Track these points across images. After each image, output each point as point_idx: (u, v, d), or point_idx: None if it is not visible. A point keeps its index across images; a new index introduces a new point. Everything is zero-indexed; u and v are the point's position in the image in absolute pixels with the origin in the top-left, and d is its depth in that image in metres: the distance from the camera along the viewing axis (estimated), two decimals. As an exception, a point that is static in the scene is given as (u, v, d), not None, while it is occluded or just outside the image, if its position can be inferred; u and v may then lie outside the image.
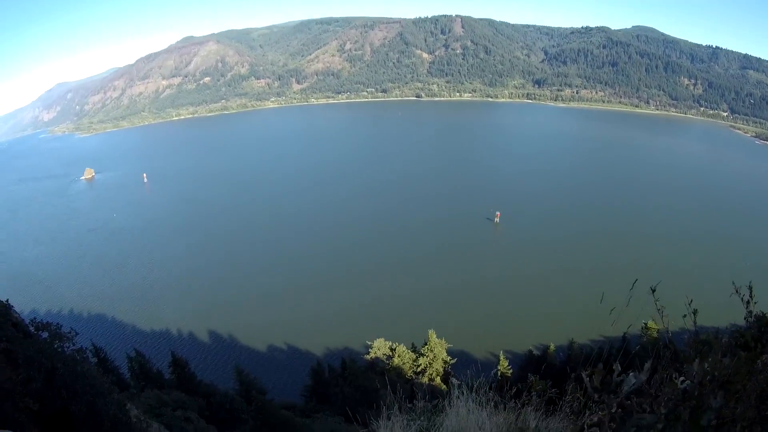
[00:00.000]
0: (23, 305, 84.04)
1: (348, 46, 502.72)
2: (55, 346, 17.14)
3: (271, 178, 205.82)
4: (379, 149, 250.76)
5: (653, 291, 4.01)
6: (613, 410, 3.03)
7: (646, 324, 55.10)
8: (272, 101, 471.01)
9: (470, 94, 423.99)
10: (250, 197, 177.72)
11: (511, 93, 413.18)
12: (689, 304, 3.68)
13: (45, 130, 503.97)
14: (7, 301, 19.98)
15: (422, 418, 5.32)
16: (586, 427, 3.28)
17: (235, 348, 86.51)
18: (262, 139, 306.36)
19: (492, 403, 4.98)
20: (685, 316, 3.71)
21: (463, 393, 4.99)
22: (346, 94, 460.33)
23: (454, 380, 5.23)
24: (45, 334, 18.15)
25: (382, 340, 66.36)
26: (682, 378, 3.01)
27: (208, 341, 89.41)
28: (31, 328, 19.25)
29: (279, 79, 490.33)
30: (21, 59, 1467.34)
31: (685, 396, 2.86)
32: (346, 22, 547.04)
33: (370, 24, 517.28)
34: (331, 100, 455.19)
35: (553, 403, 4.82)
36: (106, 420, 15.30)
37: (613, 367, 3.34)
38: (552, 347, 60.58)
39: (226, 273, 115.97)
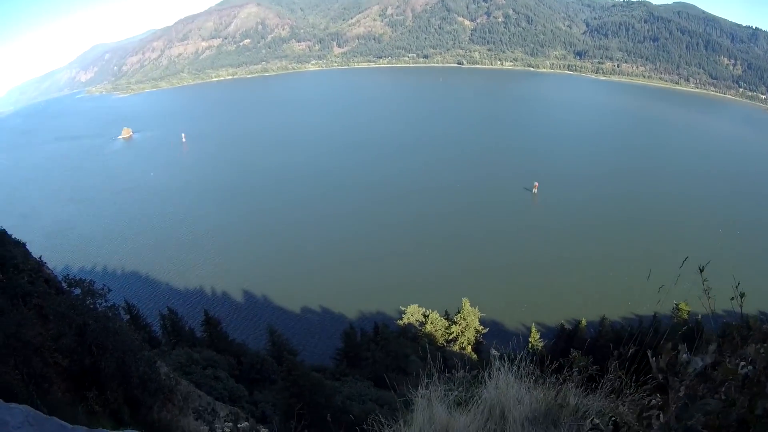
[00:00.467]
0: (57, 262, 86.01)
1: (389, 11, 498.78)
2: (87, 302, 17.52)
3: (310, 139, 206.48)
4: (419, 115, 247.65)
5: (701, 270, 3.86)
6: (680, 393, 2.88)
7: (677, 305, 54.73)
8: (313, 64, 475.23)
9: (511, 63, 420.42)
10: (289, 159, 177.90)
11: (553, 64, 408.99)
12: (736, 287, 3.44)
13: (82, 90, 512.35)
14: (40, 257, 20.51)
15: (460, 388, 5.30)
16: (645, 409, 3.11)
17: (269, 309, 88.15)
18: (303, 101, 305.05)
19: (532, 377, 4.90)
20: (732, 299, 3.49)
21: (504, 365, 4.94)
22: (387, 59, 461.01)
23: (494, 351, 5.16)
24: (77, 291, 18.56)
25: (415, 306, 66.96)
26: (742, 363, 2.81)
27: (241, 301, 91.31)
28: (64, 285, 19.75)
29: (320, 43, 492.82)
30: (54, 15, 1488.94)
31: (746, 382, 2.68)
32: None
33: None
34: (372, 65, 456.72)
35: (593, 381, 4.74)
36: (135, 376, 15.65)
37: (679, 348, 3.17)
38: (583, 322, 60.35)
39: (262, 234, 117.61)
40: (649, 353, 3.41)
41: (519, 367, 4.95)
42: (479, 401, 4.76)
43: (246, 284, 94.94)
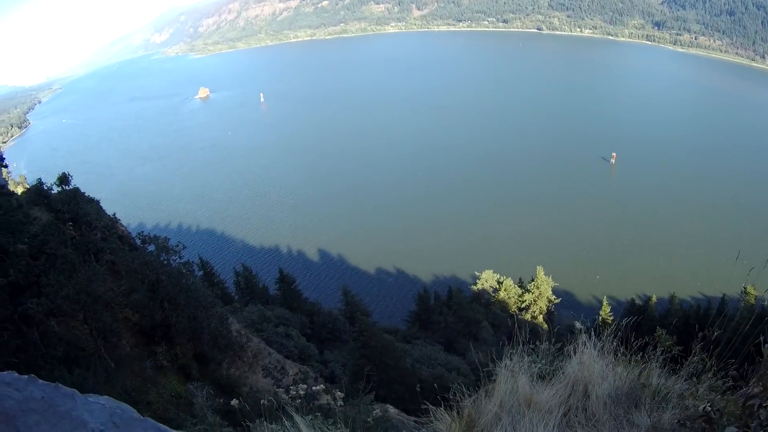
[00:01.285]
0: (131, 219, 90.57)
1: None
2: (161, 258, 18.13)
3: (388, 101, 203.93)
4: (497, 80, 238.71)
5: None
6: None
7: (745, 288, 52.28)
8: (392, 26, 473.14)
9: (590, 31, 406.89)
10: (367, 121, 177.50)
11: (631, 33, 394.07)
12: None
13: (158, 51, 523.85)
14: (114, 215, 21.33)
15: (543, 361, 5.22)
16: (748, 398, 3.03)
17: (343, 268, 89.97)
18: (382, 62, 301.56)
19: (617, 354, 4.82)
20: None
21: (590, 339, 4.87)
22: (466, 23, 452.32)
23: (578, 324, 5.02)
24: (152, 247, 19.24)
25: (490, 272, 66.65)
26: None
27: (316, 260, 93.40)
28: (138, 241, 20.55)
29: (399, 5, 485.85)
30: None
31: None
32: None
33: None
34: (451, 28, 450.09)
35: (674, 362, 4.59)
36: (206, 332, 16.11)
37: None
38: (654, 298, 58.39)
39: (339, 194, 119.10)
40: (761, 339, 3.32)
41: (604, 343, 4.84)
42: (562, 375, 4.71)
43: (321, 243, 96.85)
